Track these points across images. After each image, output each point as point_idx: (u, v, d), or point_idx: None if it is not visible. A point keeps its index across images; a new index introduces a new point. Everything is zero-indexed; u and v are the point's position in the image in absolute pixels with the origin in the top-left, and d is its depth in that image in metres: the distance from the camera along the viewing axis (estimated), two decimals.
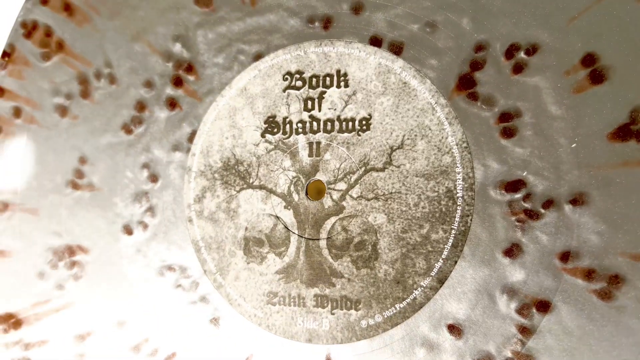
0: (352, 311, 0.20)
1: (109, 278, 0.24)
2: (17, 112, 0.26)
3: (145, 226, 0.23)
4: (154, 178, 0.23)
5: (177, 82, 0.23)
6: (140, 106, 0.24)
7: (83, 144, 0.24)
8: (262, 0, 0.22)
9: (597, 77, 0.18)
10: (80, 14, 0.25)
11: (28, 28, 0.26)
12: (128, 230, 0.24)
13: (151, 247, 0.23)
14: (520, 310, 0.18)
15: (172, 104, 0.23)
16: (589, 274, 0.18)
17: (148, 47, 0.24)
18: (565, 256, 0.18)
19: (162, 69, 0.23)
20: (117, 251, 0.24)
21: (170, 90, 0.23)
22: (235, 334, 0.22)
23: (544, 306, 0.18)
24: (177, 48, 0.23)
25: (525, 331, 0.18)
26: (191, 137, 0.23)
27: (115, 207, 0.24)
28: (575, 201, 0.18)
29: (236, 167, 0.22)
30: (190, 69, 0.23)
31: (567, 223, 0.18)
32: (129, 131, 0.24)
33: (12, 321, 0.25)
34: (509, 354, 0.18)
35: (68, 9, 0.25)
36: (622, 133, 0.18)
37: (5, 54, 0.26)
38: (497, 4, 0.19)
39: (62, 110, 0.25)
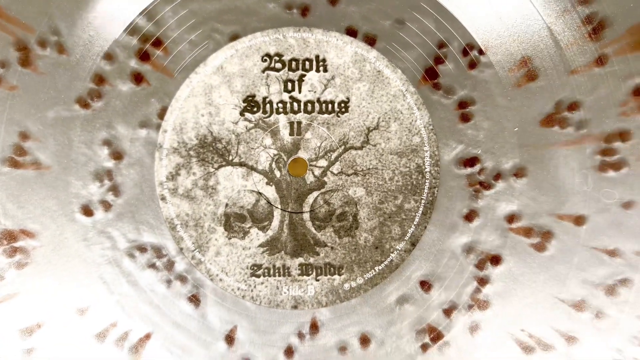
0: (336, 276, 0.22)
1: (63, 263, 0.21)
2: None
3: (108, 206, 0.22)
4: (117, 155, 0.22)
5: (143, 56, 0.22)
6: (99, 79, 0.22)
7: (24, 117, 0.22)
8: None
9: (531, 75, 0.22)
10: None
11: None
12: (87, 211, 0.22)
13: (117, 228, 0.22)
14: (478, 265, 0.22)
15: (137, 78, 0.22)
16: (528, 232, 0.22)
17: (106, 17, 0.22)
18: (511, 218, 0.22)
19: (126, 42, 0.22)
20: (74, 233, 0.21)
21: (135, 64, 0.22)
22: (217, 309, 0.22)
23: (496, 260, 0.22)
24: (142, 21, 0.22)
25: (482, 281, 0.22)
26: (161, 114, 0.22)
27: (69, 186, 0.22)
28: (517, 174, 0.22)
29: (214, 144, 0.22)
30: (158, 43, 0.22)
31: (512, 192, 0.22)
32: (85, 105, 0.22)
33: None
34: (470, 301, 0.22)
35: None
36: (549, 120, 0.22)
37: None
38: (456, 10, 0.22)
39: None
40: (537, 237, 0.22)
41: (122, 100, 0.22)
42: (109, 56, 0.22)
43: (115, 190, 0.22)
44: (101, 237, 0.21)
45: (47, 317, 0.21)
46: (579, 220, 0.22)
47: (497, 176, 0.22)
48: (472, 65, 0.22)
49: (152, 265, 0.21)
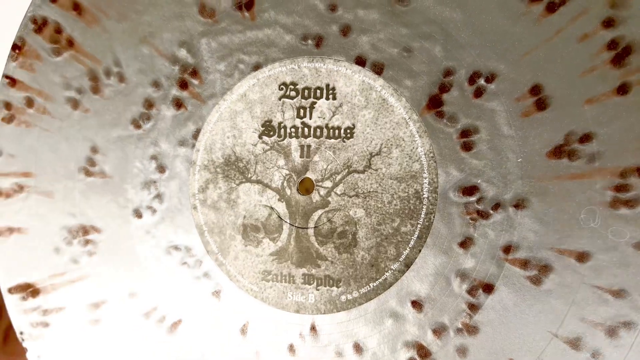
0: (334, 288, 0.23)
1: (120, 255, 0.25)
2: (29, 103, 0.26)
3: (154, 211, 0.25)
4: (161, 169, 0.25)
5: (183, 84, 0.25)
6: (149, 104, 0.25)
7: (94, 135, 0.26)
8: (261, 16, 0.24)
9: (541, 104, 0.21)
10: (89, 14, 0.26)
11: (38, 24, 0.26)
12: (138, 214, 0.25)
13: (159, 229, 0.25)
14: (470, 291, 0.21)
15: (178, 104, 0.25)
16: (524, 264, 0.21)
17: (155, 51, 0.25)
18: (507, 249, 0.21)
19: (169, 72, 0.25)
20: (128, 232, 0.25)
21: (176, 92, 0.25)
22: (234, 304, 0.24)
23: (488, 288, 0.21)
24: (183, 53, 0.24)
25: (473, 307, 0.21)
26: (196, 135, 0.24)
27: (126, 193, 0.25)
28: (518, 205, 0.21)
29: (236, 163, 0.24)
30: (194, 73, 0.24)
31: (510, 222, 0.21)
32: (138, 126, 0.25)
33: (30, 290, 0.26)
34: (459, 325, 0.22)
35: (77, 8, 0.26)
36: (558, 152, 0.20)
37: (15, 46, 0.27)
38: (464, 37, 0.21)
39: (74, 103, 0.26)
40: (534, 269, 0.21)
41: (166, 123, 0.25)
42: (156, 84, 0.25)
43: (159, 198, 0.25)
44: (148, 237, 0.25)
45: (109, 297, 0.26)
46: (581, 257, 0.20)
47: (496, 206, 0.21)
48: (478, 93, 0.21)
49: (184, 263, 0.25)
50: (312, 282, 0.23)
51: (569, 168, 0.20)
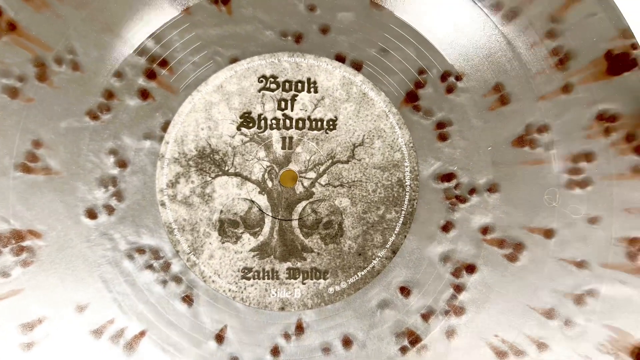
0: (321, 280, 0.22)
1: (66, 262, 0.21)
2: None
3: (112, 210, 0.22)
4: (122, 163, 0.22)
5: (150, 74, 0.22)
6: (109, 94, 0.22)
7: (38, 127, 0.22)
8: (239, 11, 0.23)
9: (504, 100, 0.23)
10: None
11: None
12: (91, 214, 0.22)
13: (118, 230, 0.22)
14: (454, 273, 0.22)
15: (144, 94, 0.22)
16: (501, 243, 0.22)
17: (118, 40, 0.23)
18: (484, 230, 0.22)
19: (134, 61, 0.22)
20: (78, 235, 0.21)
21: (142, 82, 0.22)
22: (209, 309, 0.21)
23: (471, 268, 0.22)
24: (151, 43, 0.23)
25: (458, 288, 0.22)
26: (165, 127, 0.22)
27: (76, 191, 0.22)
28: (490, 189, 0.22)
29: (212, 155, 0.22)
30: (164, 63, 0.23)
31: (485, 205, 0.22)
32: (95, 117, 0.22)
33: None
34: (446, 307, 0.22)
35: None
36: (521, 141, 0.22)
37: None
38: (435, 41, 0.23)
39: (12, 92, 0.22)
40: (509, 248, 0.22)
41: (129, 114, 0.22)
42: (118, 74, 0.22)
43: (118, 195, 0.22)
44: (103, 239, 0.21)
45: (48, 313, 0.21)
46: (548, 233, 0.22)
47: (472, 191, 0.22)
48: (450, 90, 0.23)
49: (150, 267, 0.21)
50: (297, 276, 0.21)
51: (530, 155, 0.22)
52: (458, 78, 0.23)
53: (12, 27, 0.22)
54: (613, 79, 0.23)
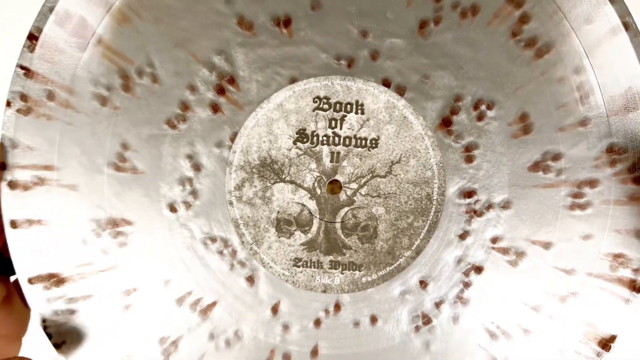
0: (356, 272, 0.24)
1: (153, 246, 0.24)
2: (50, 96, 0.24)
3: (189, 205, 0.24)
4: (196, 167, 0.24)
5: (220, 90, 0.24)
6: (184, 106, 0.24)
7: (125, 132, 0.24)
8: (298, 34, 0.23)
9: (527, 129, 0.24)
10: (119, 13, 0.23)
11: (59, 15, 0.23)
12: (172, 208, 0.24)
13: (194, 222, 0.24)
14: (464, 272, 0.24)
15: (214, 108, 0.24)
16: (506, 251, 0.24)
17: (191, 56, 0.23)
18: (494, 240, 0.24)
19: (206, 77, 0.23)
20: (161, 225, 0.24)
21: (212, 96, 0.24)
22: (267, 287, 0.25)
23: (478, 269, 0.24)
24: (220, 61, 0.23)
25: (466, 284, 0.24)
26: (232, 138, 0.24)
27: (159, 188, 0.24)
28: (504, 206, 0.24)
29: (271, 165, 0.24)
30: (232, 81, 0.24)
31: (498, 219, 0.24)
32: (172, 126, 0.24)
33: (54, 280, 0.24)
34: (455, 298, 0.25)
35: (105, 4, 0.23)
36: (536, 167, 0.24)
37: (32, 36, 0.23)
38: (471, 71, 0.23)
39: (102, 100, 0.24)
40: (512, 255, 0.24)
41: (202, 125, 0.24)
42: (192, 88, 0.23)
43: (194, 194, 0.24)
44: (182, 229, 0.24)
45: (141, 284, 0.24)
46: (547, 246, 0.24)
47: (489, 207, 0.24)
48: (480, 117, 0.23)
49: (220, 252, 0.24)
50: (337, 267, 0.24)
51: (543, 179, 0.24)
52: (489, 107, 0.23)
53: (98, 40, 0.23)
54: (628, 115, 0.23)
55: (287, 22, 0.21)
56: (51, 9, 0.21)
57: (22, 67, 0.21)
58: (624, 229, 0.22)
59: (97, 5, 0.21)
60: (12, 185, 0.22)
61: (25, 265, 0.22)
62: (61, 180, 0.22)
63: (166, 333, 0.22)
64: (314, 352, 0.22)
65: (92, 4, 0.21)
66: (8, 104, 0.22)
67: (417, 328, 0.22)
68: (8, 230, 0.22)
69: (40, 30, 0.21)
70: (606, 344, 0.22)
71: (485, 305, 0.22)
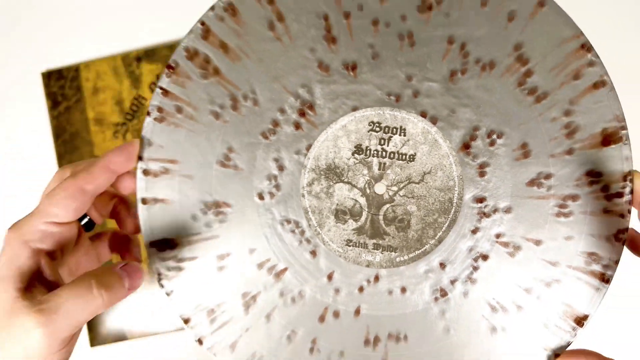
0: (392, 253, 0.32)
1: (245, 223, 0.32)
2: (179, 110, 0.32)
3: (273, 195, 0.32)
4: (281, 168, 0.32)
5: (302, 113, 0.32)
6: (275, 123, 0.32)
7: (231, 139, 0.32)
8: (360, 76, 0.32)
9: (526, 154, 0.31)
10: (233, 53, 0.32)
11: (190, 53, 0.32)
12: (260, 197, 0.32)
13: (276, 208, 0.32)
14: (474, 259, 0.32)
15: (297, 126, 0.32)
16: (506, 245, 0.31)
17: (283, 88, 0.32)
18: (497, 235, 0.31)
19: (291, 104, 0.32)
20: (252, 208, 0.32)
21: (295, 117, 0.32)
22: (325, 260, 0.32)
23: (485, 257, 0.32)
24: (303, 93, 0.32)
25: (475, 268, 0.32)
26: (308, 148, 0.32)
27: (252, 182, 0.32)
28: (507, 211, 0.31)
29: (334, 169, 0.32)
30: (311, 107, 0.32)
31: (501, 220, 0.31)
32: (265, 137, 0.32)
33: (169, 244, 0.32)
34: (466, 278, 0.32)
35: (224, 47, 0.32)
36: (532, 183, 0.31)
37: (170, 67, 0.32)
38: (487, 109, 0.31)
39: (216, 115, 0.32)
40: (511, 248, 0.32)
41: (287, 137, 0.32)
42: (281, 110, 0.32)
43: (277, 187, 0.32)
44: (267, 212, 0.32)
45: (233, 251, 0.32)
46: (538, 243, 0.31)
47: (495, 210, 0.31)
48: (492, 143, 0.31)
49: (292, 231, 0.32)
50: (378, 248, 0.32)
51: (537, 192, 0.31)
52: (499, 136, 0.31)
53: (216, 71, 0.32)
54: (603, 149, 0.31)
55: (353, 67, 0.29)
56: (185, 48, 0.29)
57: (161, 88, 0.30)
58: (597, 234, 0.29)
59: (217, 46, 0.29)
60: (146, 172, 0.30)
61: (148, 232, 0.30)
62: (181, 171, 0.30)
63: (248, 289, 0.30)
64: (357, 311, 0.30)
65: (213, 45, 0.29)
66: (148, 113, 0.30)
67: (436, 299, 0.30)
68: (140, 206, 0.30)
69: (177, 63, 0.29)
70: (580, 321, 0.29)
71: (489, 285, 0.30)
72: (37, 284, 0.20)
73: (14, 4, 0.49)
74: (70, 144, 0.46)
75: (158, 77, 0.45)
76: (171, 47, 0.47)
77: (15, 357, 0.19)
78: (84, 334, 0.47)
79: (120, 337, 0.46)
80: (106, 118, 0.46)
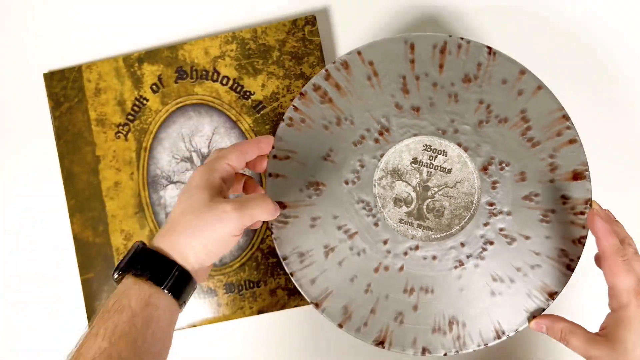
0: (429, 231, 0.48)
1: (333, 199, 0.48)
2: (302, 121, 0.50)
3: (354, 182, 0.49)
4: (362, 165, 0.49)
5: (380, 133, 0.49)
6: (362, 137, 0.49)
7: (333, 144, 0.49)
8: (421, 115, 0.49)
9: (523, 179, 0.47)
10: (342, 90, 0.50)
11: (315, 87, 0.50)
12: (346, 182, 0.49)
13: (355, 191, 0.49)
14: (484, 243, 0.47)
15: (376, 141, 0.49)
16: (506, 236, 0.47)
17: (370, 116, 0.49)
18: (501, 229, 0.47)
19: (375, 127, 0.49)
20: (339, 190, 0.48)
21: (376, 135, 0.49)
22: (389, 231, 0.48)
23: (491, 243, 0.47)
24: (383, 121, 0.49)
25: (483, 249, 0.47)
26: (381, 155, 0.49)
27: (342, 172, 0.49)
28: (508, 214, 0.47)
29: (397, 172, 0.49)
30: (387, 130, 0.49)
31: (504, 220, 0.47)
32: (355, 145, 0.49)
33: (282, 205, 0.49)
34: (477, 255, 0.47)
35: (337, 86, 0.50)
36: (526, 198, 0.47)
37: (301, 94, 0.50)
38: (499, 147, 0.48)
39: (325, 127, 0.50)
40: (509, 239, 0.47)
41: (368, 147, 0.49)
42: (367, 129, 0.49)
43: (358, 178, 0.49)
44: (349, 193, 0.48)
45: (322, 215, 0.48)
46: (527, 238, 0.47)
47: (500, 212, 0.47)
48: (502, 169, 0.48)
49: (364, 208, 0.48)
50: (421, 226, 0.48)
51: (529, 204, 0.47)
52: (506, 165, 0.48)
53: (330, 100, 0.50)
54: (573, 182, 0.47)
55: (417, 109, 0.47)
56: (313, 85, 0.47)
57: (294, 106, 0.48)
58: (566, 237, 0.45)
59: (333, 85, 0.47)
60: (275, 157, 0.47)
61: (270, 196, 0.46)
62: (297, 159, 0.47)
63: (328, 243, 0.46)
64: (401, 268, 0.45)
65: (330, 84, 0.47)
66: (283, 120, 0.48)
67: (455, 267, 0.45)
68: (268, 178, 0.47)
69: (306, 91, 0.48)
70: (552, 295, 0.44)
71: (492, 262, 0.45)
72: (217, 195, 0.36)
73: (17, 5, 0.46)
74: (72, 144, 0.45)
75: (160, 78, 0.45)
76: (172, 48, 0.46)
77: (215, 228, 0.32)
78: None
79: None
80: (108, 118, 0.45)
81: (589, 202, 0.43)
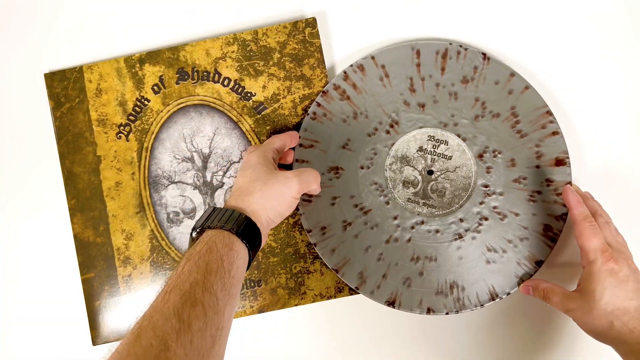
0: (433, 209, 0.55)
1: (351, 181, 0.56)
2: (324, 115, 0.57)
3: (369, 167, 0.56)
4: (375, 153, 0.56)
5: (391, 125, 0.57)
6: (375, 129, 0.57)
7: (350, 134, 0.57)
8: (426, 110, 0.57)
9: (513, 164, 0.55)
10: (358, 89, 0.58)
11: (335, 86, 0.58)
12: (362, 167, 0.56)
13: (370, 175, 0.56)
14: (479, 218, 0.54)
15: (387, 132, 0.57)
16: (499, 213, 0.54)
17: (382, 111, 0.57)
18: (494, 207, 0.54)
19: (386, 120, 0.57)
20: (356, 173, 0.56)
21: (387, 127, 0.57)
22: (394, 207, 0.55)
23: (486, 219, 0.53)
24: (393, 115, 0.57)
25: (479, 224, 0.54)
26: (392, 144, 0.56)
27: (359, 157, 0.56)
28: (501, 194, 0.54)
29: (405, 158, 0.56)
30: (397, 123, 0.57)
31: (497, 199, 0.54)
32: (369, 136, 0.57)
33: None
34: (474, 229, 0.54)
35: (354, 85, 0.57)
36: (515, 181, 0.55)
37: (323, 92, 0.58)
38: (493, 138, 0.56)
39: (344, 120, 0.57)
40: (501, 216, 0.54)
41: (381, 137, 0.56)
42: (380, 123, 0.57)
43: (372, 164, 0.56)
44: (364, 177, 0.55)
45: (341, 195, 0.56)
46: (517, 215, 0.54)
47: (494, 193, 0.54)
48: (495, 156, 0.55)
49: (377, 189, 0.55)
50: (426, 205, 0.55)
51: (518, 186, 0.54)
52: (499, 153, 0.55)
53: (348, 97, 0.57)
54: (556, 167, 0.54)
55: (423, 106, 0.55)
56: (333, 85, 0.55)
57: (317, 103, 0.55)
58: (551, 214, 0.52)
59: (350, 85, 0.55)
60: (300, 145, 0.55)
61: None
62: (320, 147, 0.54)
63: (346, 218, 0.53)
64: (408, 240, 0.53)
65: (348, 84, 0.55)
66: (307, 114, 0.55)
67: (455, 239, 0.52)
68: (294, 163, 0.54)
69: (328, 90, 0.55)
70: (538, 263, 0.51)
71: (487, 235, 0.52)
72: (274, 169, 0.43)
73: (18, 5, 0.45)
74: (73, 144, 0.44)
75: (161, 79, 0.44)
76: (173, 49, 0.45)
77: (282, 191, 0.37)
78: (86, 333, 0.44)
79: (122, 336, 0.43)
80: (109, 119, 0.44)
81: (569, 184, 0.50)
